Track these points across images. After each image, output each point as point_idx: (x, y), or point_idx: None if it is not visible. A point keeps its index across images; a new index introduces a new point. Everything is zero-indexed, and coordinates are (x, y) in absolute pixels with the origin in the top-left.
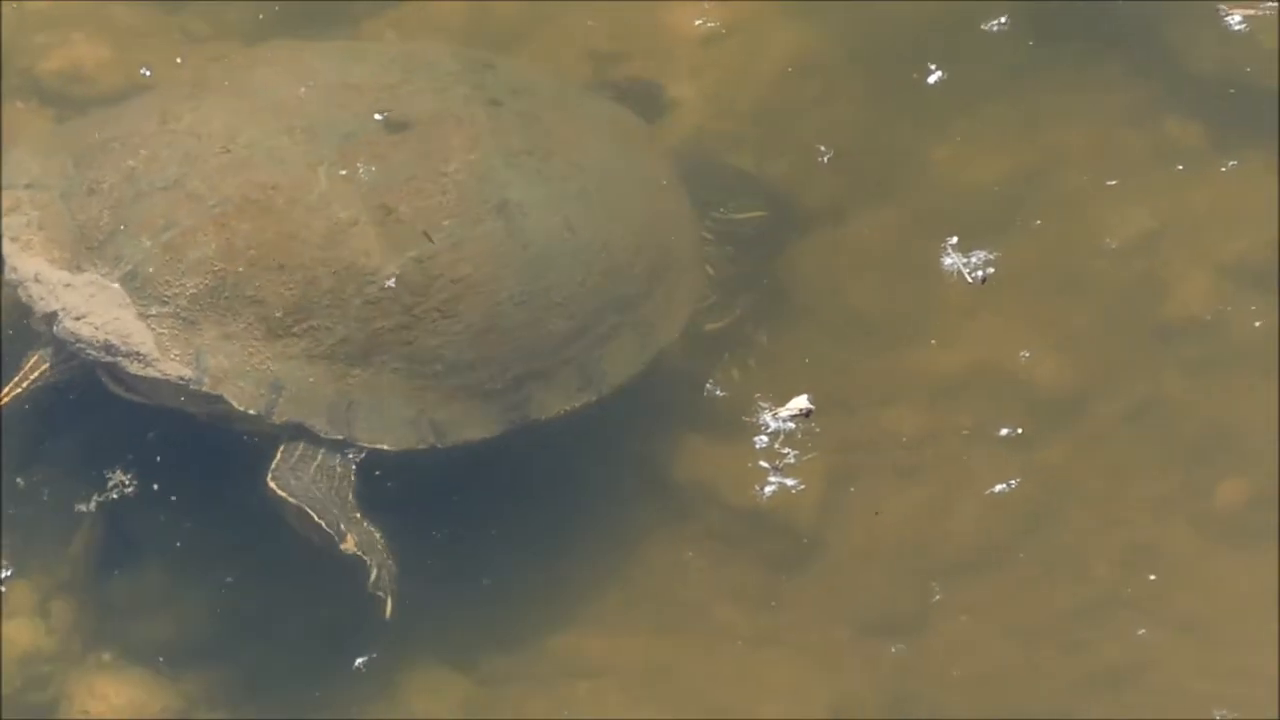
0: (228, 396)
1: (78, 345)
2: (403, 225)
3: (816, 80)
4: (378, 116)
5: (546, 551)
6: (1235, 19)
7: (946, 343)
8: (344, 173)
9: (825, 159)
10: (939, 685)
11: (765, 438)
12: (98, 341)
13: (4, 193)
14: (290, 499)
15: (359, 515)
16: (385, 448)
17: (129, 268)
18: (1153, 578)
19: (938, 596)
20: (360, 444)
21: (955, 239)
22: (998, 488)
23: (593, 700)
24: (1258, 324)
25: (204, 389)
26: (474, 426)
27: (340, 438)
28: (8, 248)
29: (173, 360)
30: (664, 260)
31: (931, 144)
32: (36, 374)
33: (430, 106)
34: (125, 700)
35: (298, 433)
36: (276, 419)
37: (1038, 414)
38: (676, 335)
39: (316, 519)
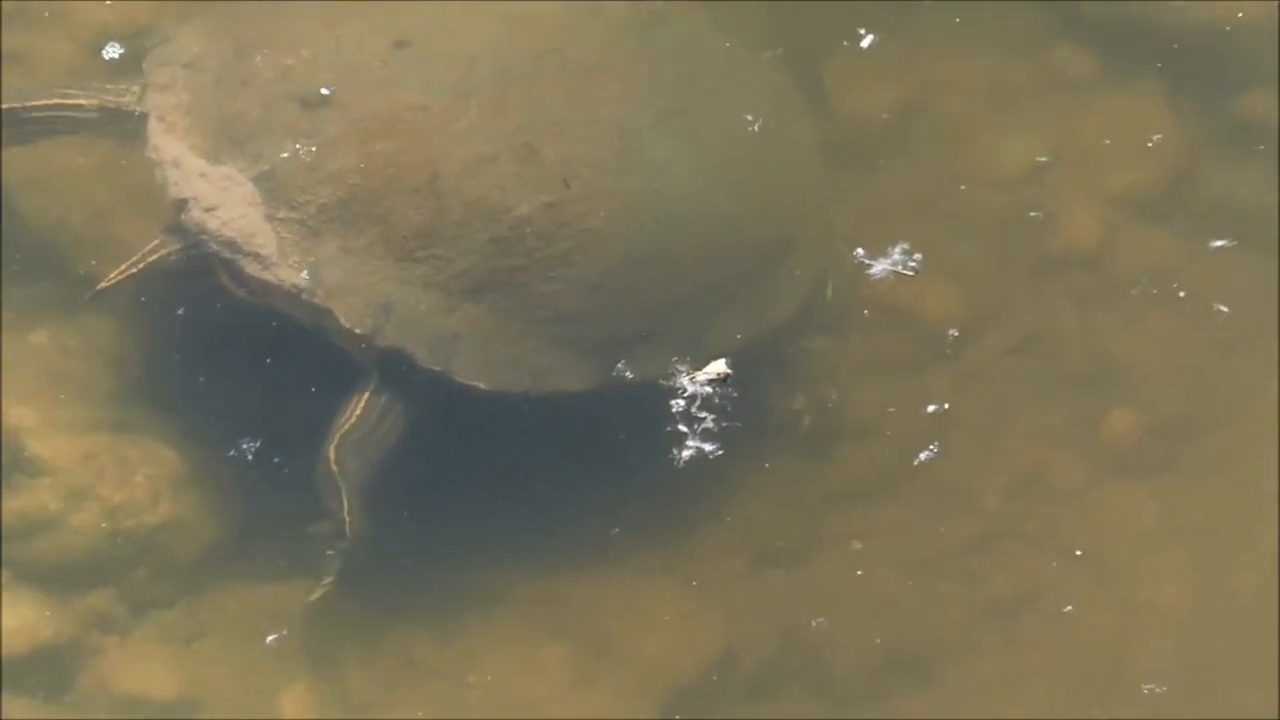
0: (337, 312)
1: (202, 236)
2: (543, 168)
3: None
4: (561, 59)
5: (442, 483)
6: None
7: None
8: (495, 106)
9: None
10: (830, 615)
11: (683, 401)
12: (222, 236)
13: (161, 69)
14: (339, 480)
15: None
16: (481, 386)
17: (266, 168)
18: (1044, 508)
19: (828, 527)
20: (457, 379)
21: (861, 250)
22: (888, 413)
23: (484, 629)
24: (1146, 253)
25: (316, 301)
26: (570, 377)
27: (438, 370)
28: (153, 126)
29: (290, 267)
30: (791, 240)
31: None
32: (155, 256)
33: (595, 54)
34: (18, 622)
35: (386, 373)
36: (380, 341)
37: (926, 345)
38: (787, 317)
39: (345, 500)
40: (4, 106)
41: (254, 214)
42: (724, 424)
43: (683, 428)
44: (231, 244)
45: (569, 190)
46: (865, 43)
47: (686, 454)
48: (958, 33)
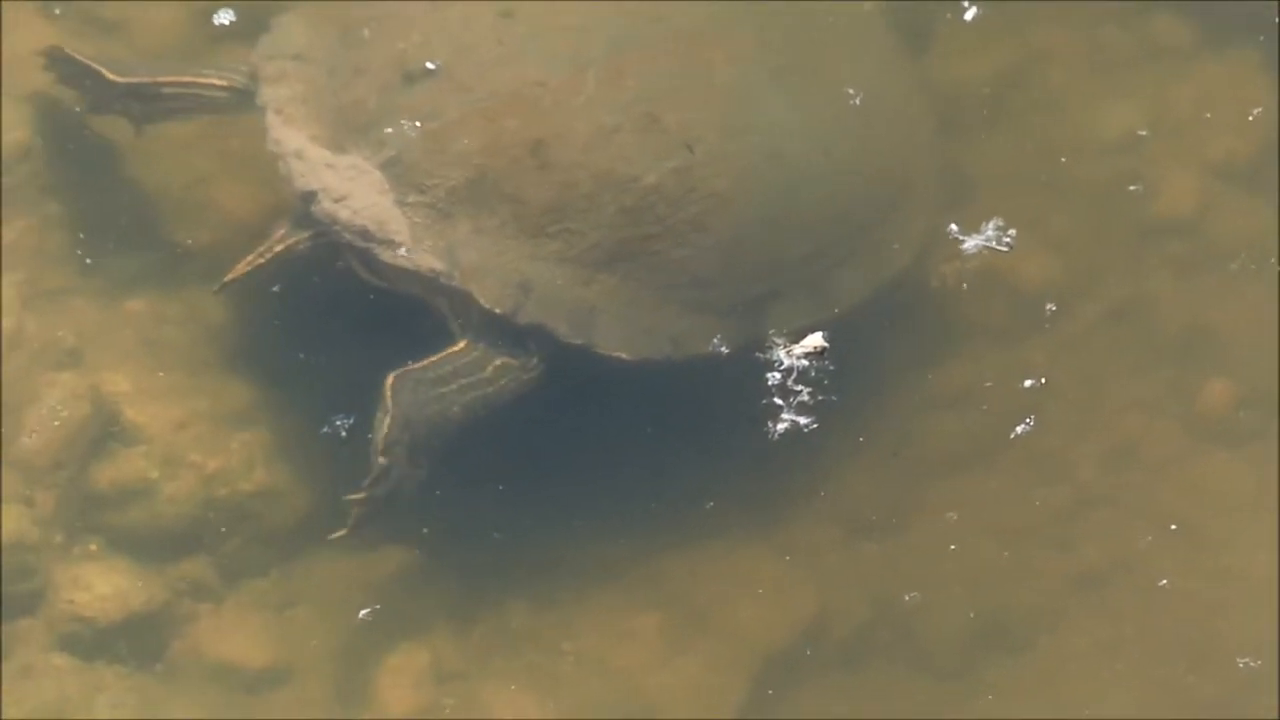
0: (476, 293)
1: (335, 227)
2: (666, 135)
3: None
4: (670, 26)
5: (536, 455)
6: None
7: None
8: (612, 76)
9: None
10: (923, 584)
11: (779, 374)
12: (354, 225)
13: (270, 61)
14: (389, 407)
15: (422, 456)
16: (624, 356)
17: (391, 154)
18: (1138, 478)
19: (923, 498)
20: (599, 351)
21: (955, 225)
22: (985, 386)
23: (577, 598)
24: (1245, 223)
25: (454, 283)
26: (707, 340)
27: (579, 344)
28: (271, 119)
29: (425, 251)
30: (907, 189)
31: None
32: (282, 247)
33: (701, 18)
34: (110, 589)
35: (494, 342)
36: (521, 319)
37: (1022, 313)
38: (908, 265)
39: (385, 431)
40: (133, 80)
41: (384, 201)
42: (819, 398)
43: (778, 400)
44: (364, 232)
45: (693, 155)
46: (969, 15)
47: (781, 427)
48: (1058, 3)
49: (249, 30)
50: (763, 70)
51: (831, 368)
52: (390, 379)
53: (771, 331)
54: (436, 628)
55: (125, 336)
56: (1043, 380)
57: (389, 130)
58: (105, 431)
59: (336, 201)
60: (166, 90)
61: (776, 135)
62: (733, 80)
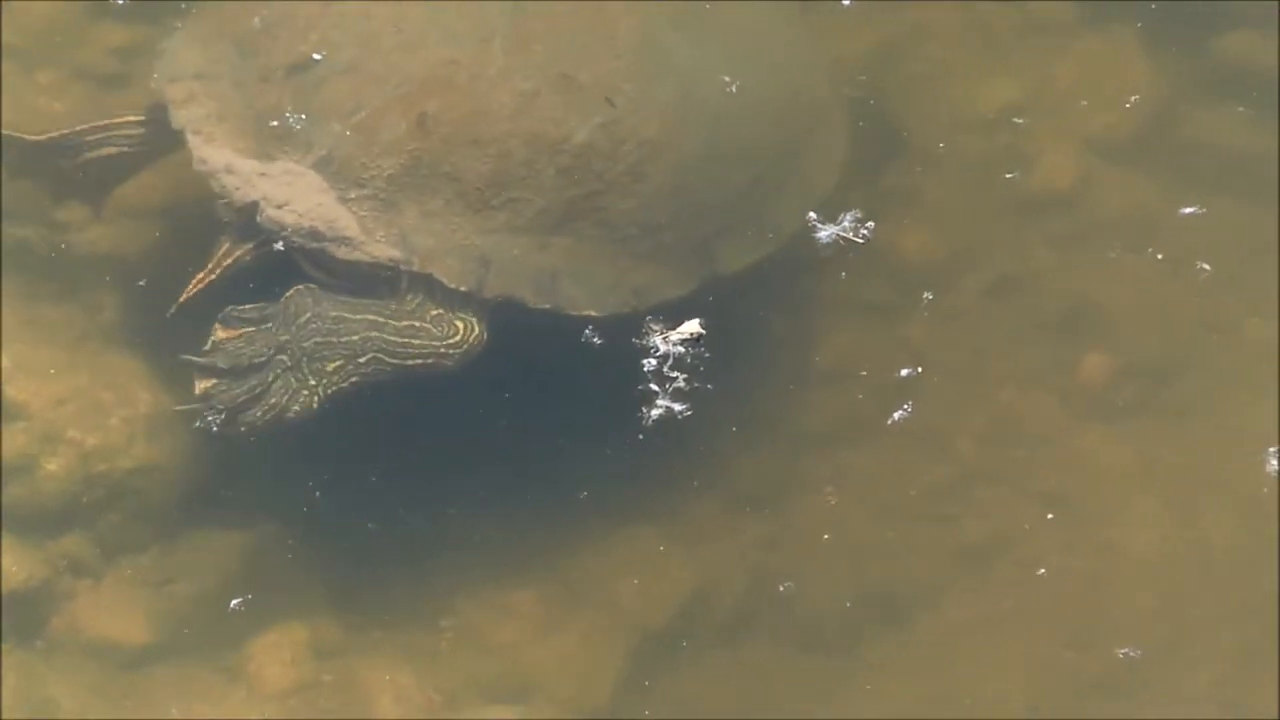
0: (438, 275)
1: (283, 233)
2: (584, 92)
3: None
4: None
5: (411, 444)
6: None
7: None
8: (518, 44)
9: None
10: (803, 558)
11: (655, 360)
12: (303, 228)
13: (173, 85)
14: (279, 305)
15: (307, 381)
16: (593, 313)
17: (322, 153)
18: (1019, 453)
19: (802, 471)
20: (568, 313)
21: (814, 213)
22: (863, 361)
23: (455, 575)
24: (1123, 199)
25: (414, 269)
26: (670, 286)
27: (547, 307)
28: (192, 140)
29: (379, 242)
30: (816, 113)
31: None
32: (230, 260)
33: None
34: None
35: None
36: (487, 293)
37: (901, 286)
38: (833, 185)
39: (254, 310)
40: (53, 135)
41: (327, 199)
42: (695, 385)
43: (654, 387)
44: (314, 233)
45: (615, 108)
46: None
47: (656, 414)
48: None
49: (134, 11)
50: (660, 15)
51: (707, 354)
52: (296, 287)
53: (648, 318)
54: (315, 605)
55: (4, 315)
56: (919, 369)
57: (314, 130)
58: None
59: (279, 208)
60: (88, 138)
61: (687, 77)
62: (635, 31)
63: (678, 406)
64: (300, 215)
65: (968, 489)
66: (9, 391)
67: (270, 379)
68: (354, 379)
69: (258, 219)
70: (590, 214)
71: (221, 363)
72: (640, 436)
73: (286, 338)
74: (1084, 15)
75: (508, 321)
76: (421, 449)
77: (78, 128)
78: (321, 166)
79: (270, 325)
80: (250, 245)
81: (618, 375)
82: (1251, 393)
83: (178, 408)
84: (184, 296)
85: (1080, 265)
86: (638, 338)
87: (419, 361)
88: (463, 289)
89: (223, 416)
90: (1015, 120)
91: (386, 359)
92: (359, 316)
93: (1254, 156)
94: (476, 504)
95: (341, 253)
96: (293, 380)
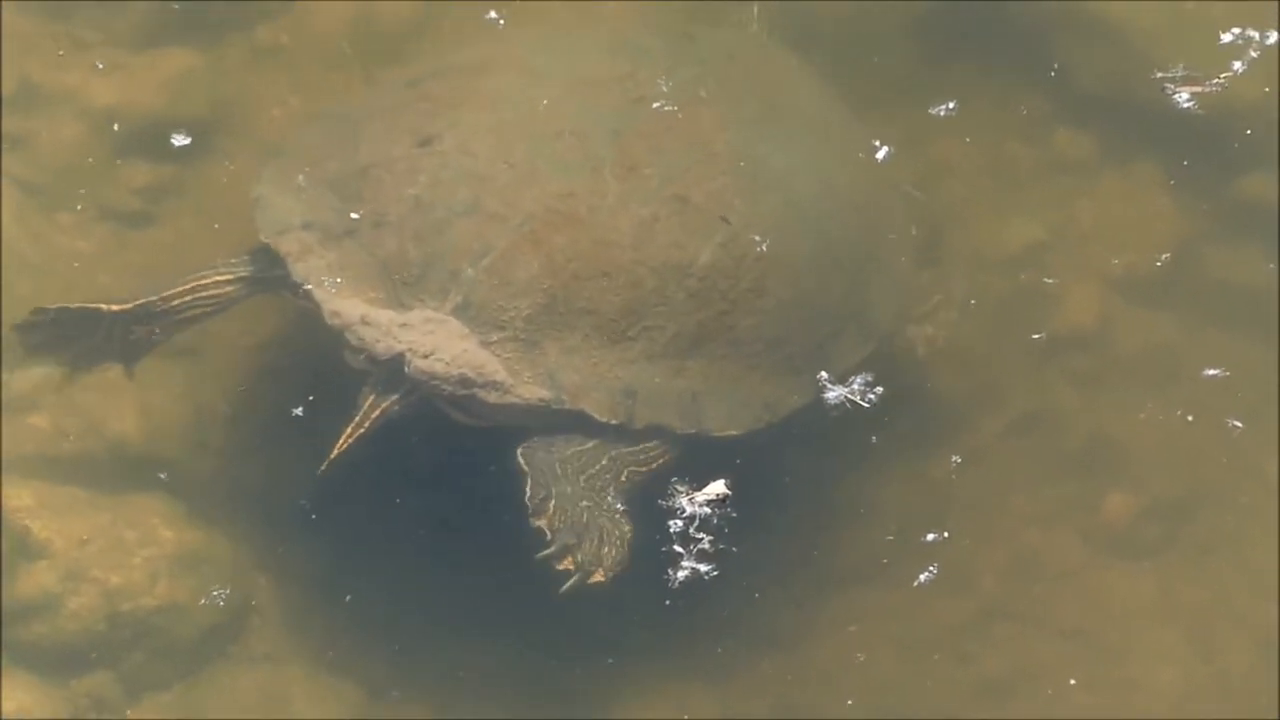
0: (590, 410)
1: (432, 382)
2: (700, 213)
3: None
4: (652, 105)
5: (440, 579)
6: (1184, 96)
7: None
8: (627, 169)
9: None
10: (826, 694)
11: (681, 521)
12: (453, 376)
13: (283, 237)
14: (524, 467)
15: (606, 506)
16: (734, 433)
17: (459, 299)
18: (1040, 589)
19: (826, 609)
20: (712, 434)
21: (825, 373)
22: (888, 498)
23: (481, 709)
24: (1145, 337)
25: (565, 407)
26: (796, 395)
27: (692, 432)
28: (320, 295)
29: (527, 383)
30: (886, 212)
31: None
32: (378, 413)
33: (670, 90)
34: (13, 705)
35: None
36: (638, 424)
37: (925, 425)
38: (910, 269)
39: (529, 487)
40: (134, 304)
41: (471, 345)
42: (720, 546)
43: (679, 549)
44: (464, 380)
45: (731, 226)
46: (880, 154)
47: (683, 575)
48: (960, 118)
49: (153, 149)
50: (745, 125)
51: (734, 514)
52: (519, 452)
53: (674, 480)
54: None
55: (28, 452)
56: (945, 534)
57: (446, 275)
58: (11, 547)
59: (426, 358)
60: (174, 303)
61: (788, 183)
62: (732, 144)
63: (704, 568)
64: (448, 363)
65: (990, 624)
66: (34, 530)
67: (599, 523)
68: (626, 490)
69: (405, 370)
70: (720, 333)
71: (570, 538)
72: (666, 601)
73: (571, 489)
74: (1105, 154)
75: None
76: (446, 603)
77: (164, 293)
78: (460, 312)
79: (550, 491)
80: (396, 396)
81: (644, 537)
82: (1271, 530)
83: (561, 591)
84: (335, 452)
85: (1103, 403)
86: (664, 499)
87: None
88: (614, 423)
89: (595, 572)
90: (1041, 252)
91: (639, 469)
92: (587, 446)
93: (1274, 295)
94: (498, 637)
95: (493, 397)
96: (602, 517)
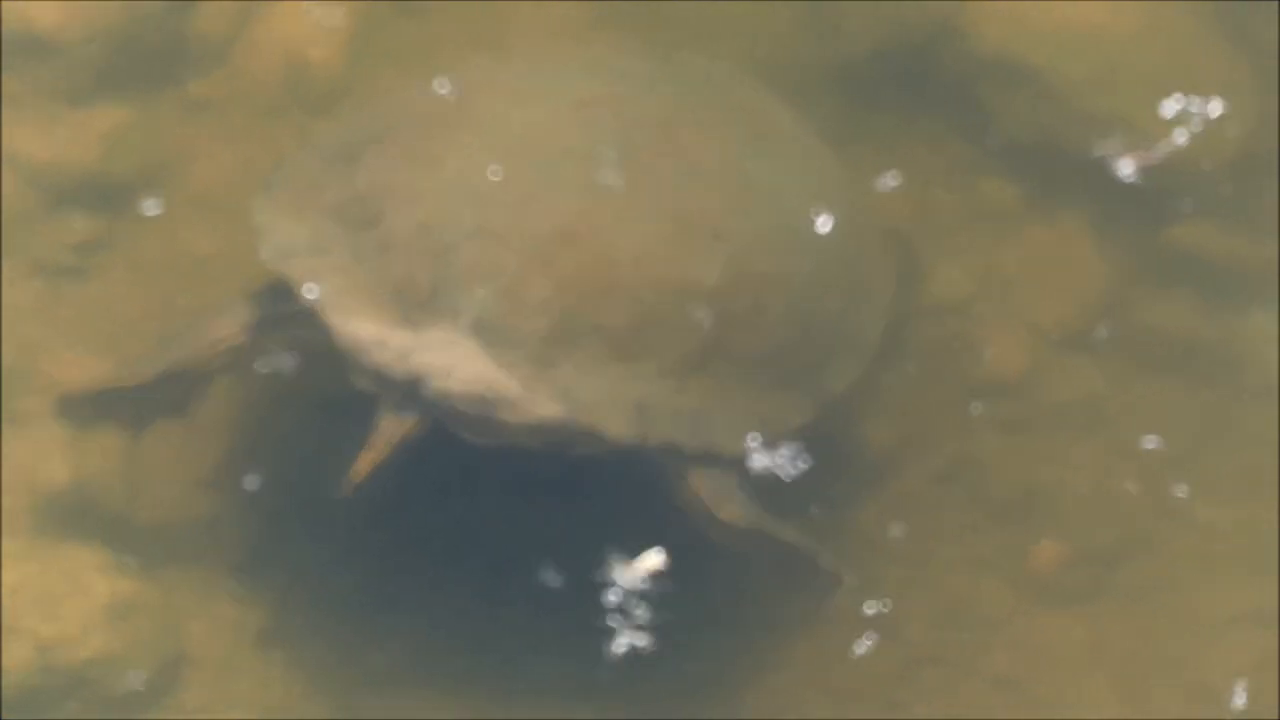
0: (603, 427)
1: (449, 401)
2: (699, 230)
3: None
4: (643, 124)
5: (381, 630)
6: (1128, 169)
7: None
8: (629, 188)
9: None
10: None
11: (615, 596)
12: (471, 395)
13: (291, 263)
14: (744, 525)
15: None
16: (736, 451)
17: (472, 318)
18: (968, 636)
19: (750, 655)
20: (721, 452)
21: (752, 438)
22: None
23: None
24: (1072, 384)
25: (579, 425)
26: (794, 413)
27: (701, 448)
28: (334, 318)
29: (544, 401)
30: (867, 230)
31: None
32: (398, 437)
33: (659, 110)
34: None
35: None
36: (652, 441)
37: (849, 473)
38: (894, 292)
39: (774, 533)
40: (145, 380)
41: (487, 365)
42: (658, 619)
43: (612, 624)
44: (481, 399)
45: (726, 244)
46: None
47: (620, 650)
48: (882, 163)
49: (86, 204)
50: (733, 143)
51: (672, 587)
52: (722, 518)
53: (610, 553)
54: None
55: None
56: (885, 606)
57: (458, 296)
58: None
59: (444, 378)
60: (191, 365)
61: (778, 201)
62: (719, 161)
63: (640, 642)
64: (465, 383)
65: (918, 672)
66: None
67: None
68: None
69: (422, 391)
70: (723, 351)
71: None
72: (602, 676)
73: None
74: (1031, 201)
75: (467, 568)
76: (389, 656)
77: (178, 356)
78: (473, 332)
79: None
80: (414, 418)
81: (576, 615)
82: (1202, 575)
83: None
84: (356, 479)
85: (1030, 452)
86: (597, 573)
87: None
88: (626, 439)
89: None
90: (966, 300)
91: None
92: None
93: (1203, 342)
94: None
95: (507, 415)
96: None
